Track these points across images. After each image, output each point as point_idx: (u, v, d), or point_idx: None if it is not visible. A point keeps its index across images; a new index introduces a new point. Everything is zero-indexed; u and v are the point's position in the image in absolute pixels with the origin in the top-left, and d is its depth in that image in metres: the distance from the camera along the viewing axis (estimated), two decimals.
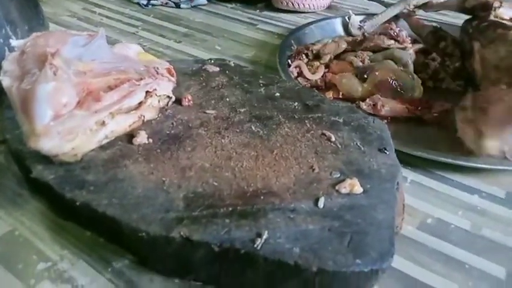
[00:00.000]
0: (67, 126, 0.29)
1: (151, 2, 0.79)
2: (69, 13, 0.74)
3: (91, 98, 0.31)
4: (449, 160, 0.41)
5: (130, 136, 0.34)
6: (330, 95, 0.51)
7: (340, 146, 0.35)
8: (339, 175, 0.32)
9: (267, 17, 0.77)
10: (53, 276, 0.29)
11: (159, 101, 0.37)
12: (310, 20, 0.71)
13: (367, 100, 0.48)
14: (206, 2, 0.81)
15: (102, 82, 0.33)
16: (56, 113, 0.29)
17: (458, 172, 0.42)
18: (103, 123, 0.31)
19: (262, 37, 0.69)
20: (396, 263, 0.32)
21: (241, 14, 0.78)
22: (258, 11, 0.80)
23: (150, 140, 0.34)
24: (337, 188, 0.30)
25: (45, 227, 0.33)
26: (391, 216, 0.29)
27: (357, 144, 0.35)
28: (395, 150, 0.37)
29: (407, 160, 0.42)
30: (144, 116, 0.35)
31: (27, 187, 0.35)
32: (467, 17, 0.59)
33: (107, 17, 0.74)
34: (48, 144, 0.29)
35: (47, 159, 0.31)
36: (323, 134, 0.36)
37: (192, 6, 0.80)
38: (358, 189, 0.30)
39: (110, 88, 0.33)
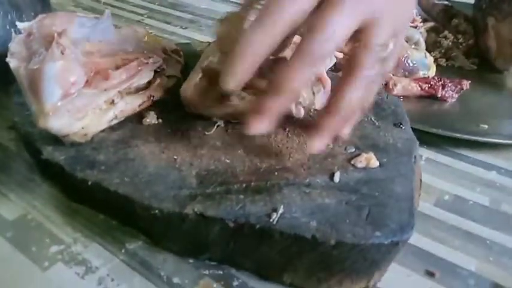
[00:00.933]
0: (76, 105, 0.29)
1: None
2: (74, 3, 0.74)
3: (100, 77, 0.30)
4: (465, 136, 0.40)
5: (140, 116, 0.34)
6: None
7: None
8: (354, 150, 0.31)
9: None
10: (67, 258, 0.29)
11: (167, 81, 0.36)
12: None
13: None
14: None
15: (110, 62, 0.33)
16: (64, 91, 0.29)
17: (474, 149, 0.41)
18: (112, 102, 0.31)
19: None
20: (414, 239, 0.31)
21: None
22: None
23: (160, 120, 0.34)
24: (352, 162, 0.30)
25: (57, 210, 0.32)
26: (409, 189, 0.28)
27: (371, 119, 0.34)
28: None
29: (421, 138, 0.40)
30: (153, 96, 0.34)
31: (38, 171, 0.35)
32: None
33: (111, 5, 0.73)
34: (57, 123, 0.28)
35: (57, 141, 0.31)
36: None
37: None
38: (375, 163, 0.29)
39: (118, 68, 0.32)
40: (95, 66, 0.31)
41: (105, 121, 0.31)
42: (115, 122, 0.32)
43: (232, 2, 0.76)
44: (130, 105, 0.32)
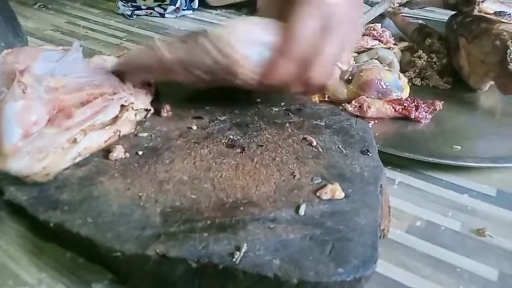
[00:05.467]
0: (37, 145, 0.28)
1: (136, 12, 0.78)
2: (53, 27, 0.74)
3: (62, 115, 0.30)
4: (438, 160, 0.40)
5: (106, 151, 0.33)
6: (315, 98, 0.50)
7: (321, 150, 0.34)
8: (320, 180, 0.31)
9: None
10: None
11: (136, 115, 0.36)
12: None
13: (353, 102, 0.47)
14: (192, 12, 0.81)
15: (75, 98, 0.32)
16: (25, 132, 0.28)
17: (447, 172, 0.41)
18: (75, 141, 0.30)
19: None
20: (384, 268, 0.31)
21: (227, 20, 0.78)
22: (243, 16, 0.80)
23: (127, 154, 0.33)
24: (318, 194, 0.30)
25: (23, 249, 0.32)
26: (374, 220, 0.28)
27: (338, 147, 0.34)
28: (383, 152, 0.36)
29: (395, 161, 0.41)
30: (120, 131, 0.34)
31: (5, 209, 0.35)
32: (452, 12, 0.59)
33: (91, 29, 0.73)
34: (17, 164, 0.28)
35: (20, 180, 0.30)
36: (304, 138, 0.35)
37: (177, 17, 0.79)
38: (340, 194, 0.29)
39: (83, 104, 0.32)
40: (58, 104, 0.31)
41: (68, 160, 0.30)
42: (79, 159, 0.32)
43: (212, 23, 0.77)
44: (95, 141, 0.32)
